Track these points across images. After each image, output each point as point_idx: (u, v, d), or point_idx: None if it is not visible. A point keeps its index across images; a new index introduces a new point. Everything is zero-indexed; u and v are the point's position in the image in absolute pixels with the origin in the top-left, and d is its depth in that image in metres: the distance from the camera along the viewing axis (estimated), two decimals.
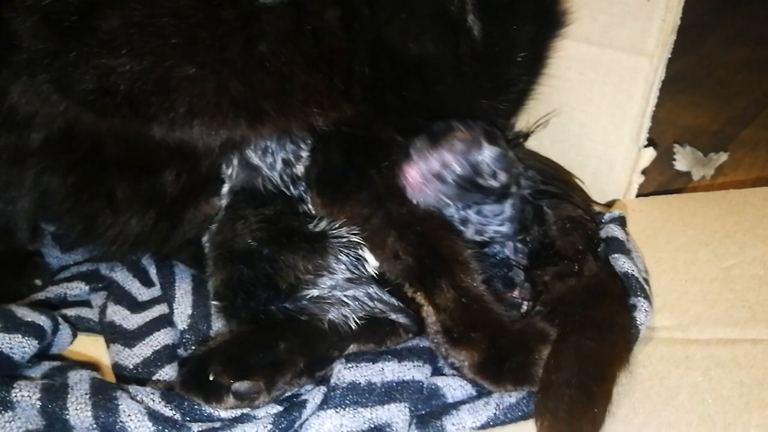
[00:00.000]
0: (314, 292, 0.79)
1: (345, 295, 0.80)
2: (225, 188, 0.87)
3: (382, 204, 0.83)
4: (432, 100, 0.83)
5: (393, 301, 0.82)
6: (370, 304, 0.80)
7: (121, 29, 0.67)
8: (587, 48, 1.06)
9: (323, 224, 0.82)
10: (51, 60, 0.70)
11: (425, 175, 0.84)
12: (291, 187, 0.87)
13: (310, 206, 0.87)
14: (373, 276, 0.82)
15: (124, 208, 0.85)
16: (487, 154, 0.85)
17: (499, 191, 0.87)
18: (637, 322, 0.80)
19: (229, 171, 0.86)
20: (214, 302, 0.84)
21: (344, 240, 0.81)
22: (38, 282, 0.93)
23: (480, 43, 0.75)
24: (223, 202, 0.87)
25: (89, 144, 0.80)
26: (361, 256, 0.82)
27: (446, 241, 0.82)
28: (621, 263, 0.85)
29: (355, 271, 0.81)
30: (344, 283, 0.80)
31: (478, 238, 0.89)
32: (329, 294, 0.79)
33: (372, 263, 0.82)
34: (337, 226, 0.82)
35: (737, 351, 0.75)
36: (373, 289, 0.81)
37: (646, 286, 0.84)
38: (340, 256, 0.80)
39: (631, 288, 0.83)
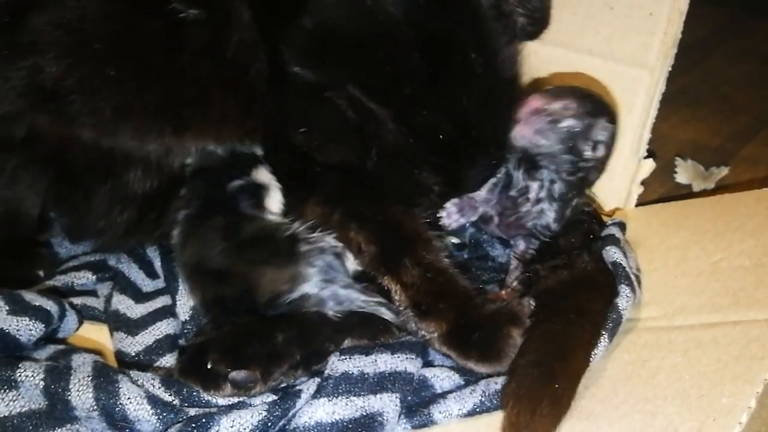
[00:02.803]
0: (294, 296, 0.81)
1: (322, 294, 0.81)
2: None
3: (340, 200, 0.85)
4: (352, 188, 0.85)
5: (374, 296, 0.83)
6: (350, 299, 0.82)
7: (47, 30, 0.71)
8: (590, 60, 1.09)
9: (294, 227, 0.84)
10: None
11: (545, 108, 0.89)
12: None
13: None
14: (351, 272, 0.85)
15: (102, 202, 0.88)
16: (602, 127, 0.90)
17: (587, 167, 0.92)
18: (619, 307, 0.81)
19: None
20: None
21: (318, 244, 0.83)
22: (40, 273, 0.95)
23: (393, 141, 0.77)
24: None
25: (52, 145, 0.84)
26: (337, 254, 0.84)
27: (407, 223, 0.85)
28: (612, 253, 0.87)
29: (330, 271, 0.82)
30: (321, 283, 0.81)
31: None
32: (308, 295, 0.81)
33: (351, 260, 0.85)
34: (308, 227, 0.84)
35: (717, 332, 0.76)
36: (350, 287, 0.83)
37: (631, 276, 0.85)
38: (314, 261, 0.82)
39: (617, 275, 0.85)
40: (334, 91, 0.73)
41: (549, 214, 0.93)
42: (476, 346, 0.78)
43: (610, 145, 0.92)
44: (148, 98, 0.76)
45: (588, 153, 0.91)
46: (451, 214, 0.91)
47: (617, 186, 1.11)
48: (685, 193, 1.22)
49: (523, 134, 0.90)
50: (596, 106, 0.91)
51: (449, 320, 0.78)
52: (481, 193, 0.93)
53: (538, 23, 0.96)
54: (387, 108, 0.74)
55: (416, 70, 0.74)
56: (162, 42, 0.73)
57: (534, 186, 0.92)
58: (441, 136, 0.77)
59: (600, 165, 0.95)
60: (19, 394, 0.70)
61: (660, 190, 1.22)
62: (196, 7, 0.72)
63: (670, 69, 1.05)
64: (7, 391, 0.70)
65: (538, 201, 0.93)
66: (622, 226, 0.97)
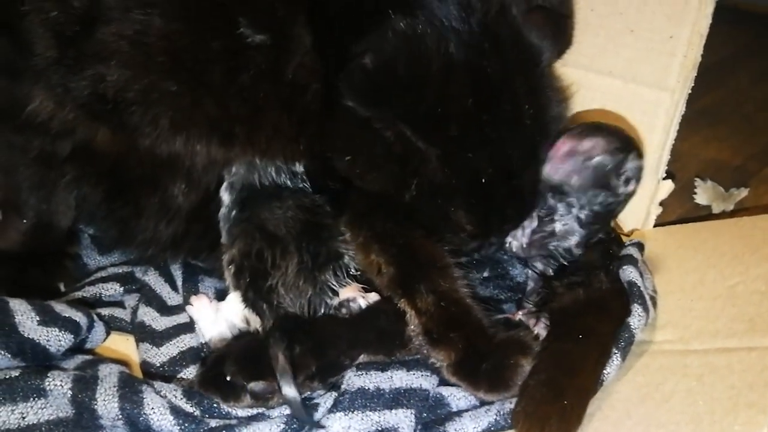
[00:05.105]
0: None
1: None
2: (224, 185, 0.92)
3: (366, 221, 0.87)
4: (378, 210, 0.87)
5: None
6: None
7: (112, 40, 0.73)
8: (611, 81, 1.10)
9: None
10: (57, 66, 0.77)
11: (576, 150, 0.90)
12: (289, 182, 0.93)
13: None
14: None
15: (150, 216, 0.92)
16: (631, 162, 0.91)
17: (617, 201, 0.93)
18: (631, 326, 0.83)
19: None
20: None
21: None
22: (61, 286, 0.98)
23: (434, 178, 0.78)
24: (225, 197, 0.92)
25: (109, 159, 0.87)
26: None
27: (426, 248, 0.86)
28: (628, 273, 0.89)
29: None
30: None
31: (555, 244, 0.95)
32: None
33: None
34: None
35: (732, 358, 0.77)
36: None
37: (645, 296, 0.87)
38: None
39: (631, 294, 0.86)
40: (383, 124, 0.74)
41: (573, 239, 0.94)
42: (485, 377, 0.78)
43: (639, 178, 0.94)
44: (202, 113, 0.78)
45: (621, 189, 0.92)
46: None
47: (636, 206, 1.11)
48: (704, 215, 1.22)
49: (556, 173, 0.91)
50: (624, 141, 0.92)
51: (458, 350, 0.79)
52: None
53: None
54: (433, 147, 0.75)
55: (467, 113, 0.75)
56: (223, 62, 0.75)
57: (561, 208, 0.93)
58: (482, 180, 0.78)
59: (627, 201, 0.96)
60: (47, 403, 0.73)
61: (679, 211, 1.22)
62: (263, 33, 0.74)
63: (690, 91, 1.06)
64: (37, 399, 0.73)
65: (565, 224, 0.94)
66: (640, 246, 0.98)
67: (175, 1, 0.72)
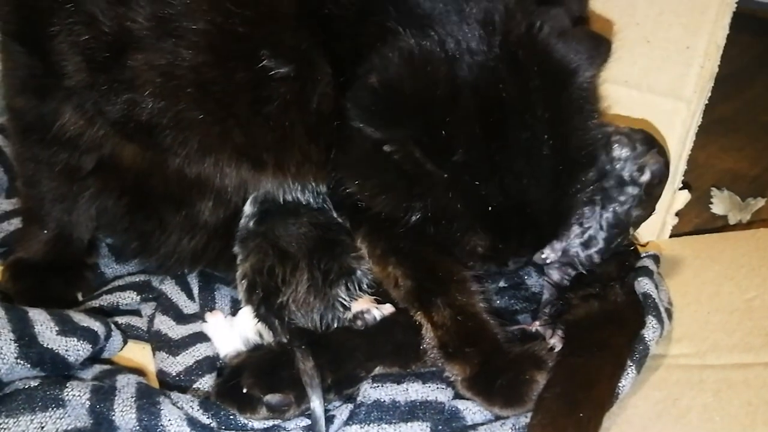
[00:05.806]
0: None
1: None
2: (249, 198, 0.93)
3: (383, 234, 0.88)
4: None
5: None
6: None
7: (144, 69, 0.74)
8: (627, 91, 1.10)
9: None
10: (89, 89, 0.78)
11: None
12: (312, 200, 0.94)
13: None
14: None
15: (173, 230, 0.93)
16: (651, 156, 0.93)
17: (633, 197, 0.93)
18: (646, 339, 0.83)
19: None
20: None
21: None
22: (79, 295, 0.99)
23: (440, 202, 0.76)
24: (247, 209, 0.93)
25: (134, 174, 0.88)
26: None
27: (443, 263, 0.87)
28: (643, 284, 0.89)
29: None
30: None
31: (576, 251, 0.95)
32: None
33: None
34: None
35: (749, 374, 0.77)
36: None
37: (660, 308, 0.87)
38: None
39: (645, 306, 0.87)
40: (392, 146, 0.73)
41: (594, 245, 0.94)
42: (499, 393, 0.79)
43: (659, 179, 0.94)
44: (231, 141, 0.79)
45: (635, 174, 0.92)
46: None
47: (652, 217, 1.11)
48: (720, 225, 1.22)
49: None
50: (648, 138, 0.93)
51: (474, 365, 0.80)
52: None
53: None
54: (440, 170, 0.73)
55: (473, 139, 0.72)
56: (248, 94, 0.76)
57: (587, 211, 0.93)
58: (491, 208, 0.75)
59: (647, 202, 0.96)
60: (66, 413, 0.74)
61: (696, 221, 1.22)
62: (286, 66, 0.74)
63: (706, 101, 1.06)
64: (55, 409, 0.74)
65: (589, 227, 0.94)
66: (656, 258, 0.98)
67: (201, 33, 0.72)
